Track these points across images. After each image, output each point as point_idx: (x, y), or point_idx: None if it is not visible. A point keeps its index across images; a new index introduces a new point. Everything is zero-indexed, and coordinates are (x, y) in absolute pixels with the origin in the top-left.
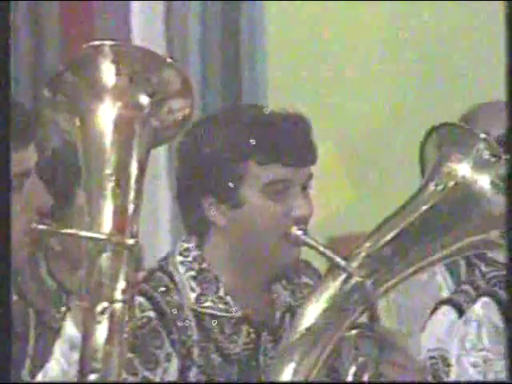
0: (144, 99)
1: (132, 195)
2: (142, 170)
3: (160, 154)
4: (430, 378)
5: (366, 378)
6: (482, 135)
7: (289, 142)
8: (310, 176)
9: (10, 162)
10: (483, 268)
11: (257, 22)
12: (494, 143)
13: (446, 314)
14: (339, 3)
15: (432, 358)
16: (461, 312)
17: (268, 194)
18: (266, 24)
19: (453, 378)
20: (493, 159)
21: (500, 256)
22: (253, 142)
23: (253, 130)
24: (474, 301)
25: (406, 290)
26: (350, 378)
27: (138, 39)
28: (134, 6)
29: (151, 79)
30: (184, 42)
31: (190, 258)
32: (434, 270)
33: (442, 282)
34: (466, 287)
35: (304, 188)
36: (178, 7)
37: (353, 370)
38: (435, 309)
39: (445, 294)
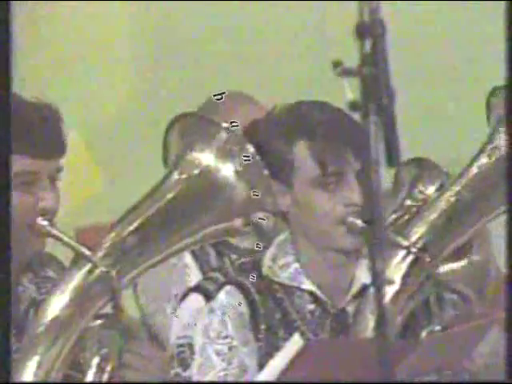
0: None
1: None
2: None
3: None
4: (176, 366)
5: (108, 369)
6: (225, 124)
7: (37, 132)
8: (60, 168)
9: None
10: (232, 255)
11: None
12: (236, 132)
13: (194, 301)
14: None
15: (180, 345)
16: (209, 299)
17: (15, 184)
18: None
19: (196, 366)
20: (236, 148)
21: (244, 243)
22: None
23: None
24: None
25: (152, 275)
26: (93, 369)
27: None
28: None
29: None
30: None
31: None
32: (182, 258)
33: (188, 270)
34: (215, 274)
35: (53, 180)
36: None
37: (96, 360)
38: (185, 296)
39: (191, 282)
